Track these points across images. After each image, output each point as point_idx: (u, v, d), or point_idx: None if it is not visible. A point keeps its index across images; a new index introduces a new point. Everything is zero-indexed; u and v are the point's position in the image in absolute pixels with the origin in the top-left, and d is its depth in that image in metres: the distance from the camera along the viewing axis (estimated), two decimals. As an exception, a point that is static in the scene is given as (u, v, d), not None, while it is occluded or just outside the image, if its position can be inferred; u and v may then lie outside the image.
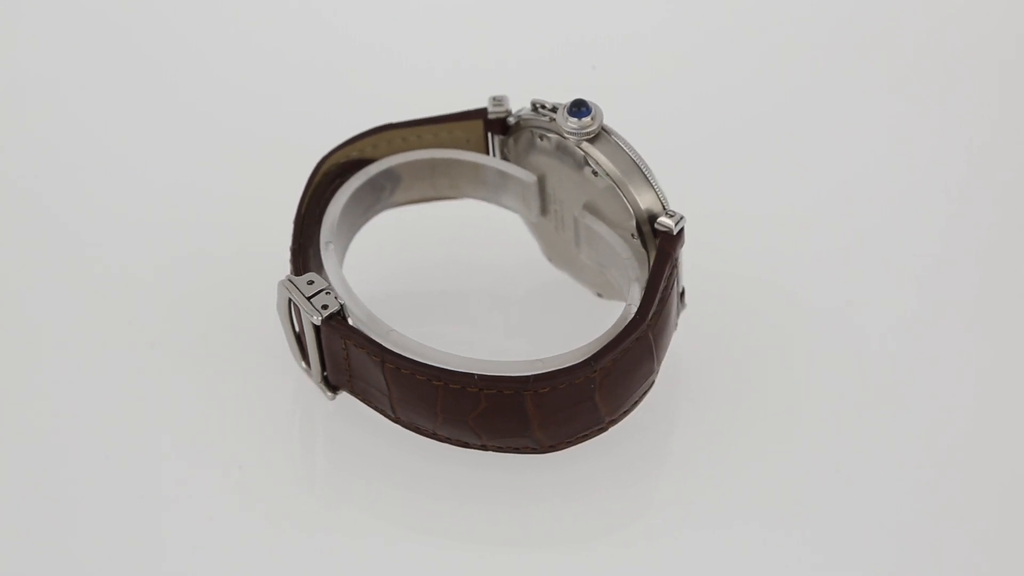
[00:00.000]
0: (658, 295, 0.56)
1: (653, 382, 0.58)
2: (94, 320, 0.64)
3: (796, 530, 0.57)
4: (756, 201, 0.68)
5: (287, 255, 0.60)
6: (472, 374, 0.55)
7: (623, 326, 0.56)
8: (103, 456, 0.60)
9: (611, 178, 0.58)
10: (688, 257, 0.59)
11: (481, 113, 0.62)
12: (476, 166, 0.62)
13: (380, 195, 0.63)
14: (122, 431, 0.60)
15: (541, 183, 0.61)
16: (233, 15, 0.77)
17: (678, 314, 0.59)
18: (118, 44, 0.76)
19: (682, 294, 0.60)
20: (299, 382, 0.61)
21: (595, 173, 0.58)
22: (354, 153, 0.62)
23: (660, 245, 0.57)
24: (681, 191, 0.59)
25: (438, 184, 0.63)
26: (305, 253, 0.60)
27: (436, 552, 0.57)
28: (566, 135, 0.58)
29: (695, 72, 0.74)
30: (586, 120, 0.58)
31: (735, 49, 0.75)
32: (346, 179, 0.62)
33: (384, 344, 0.56)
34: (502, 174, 0.62)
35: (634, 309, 0.56)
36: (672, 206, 0.58)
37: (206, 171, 0.70)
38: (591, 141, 0.58)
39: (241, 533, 0.57)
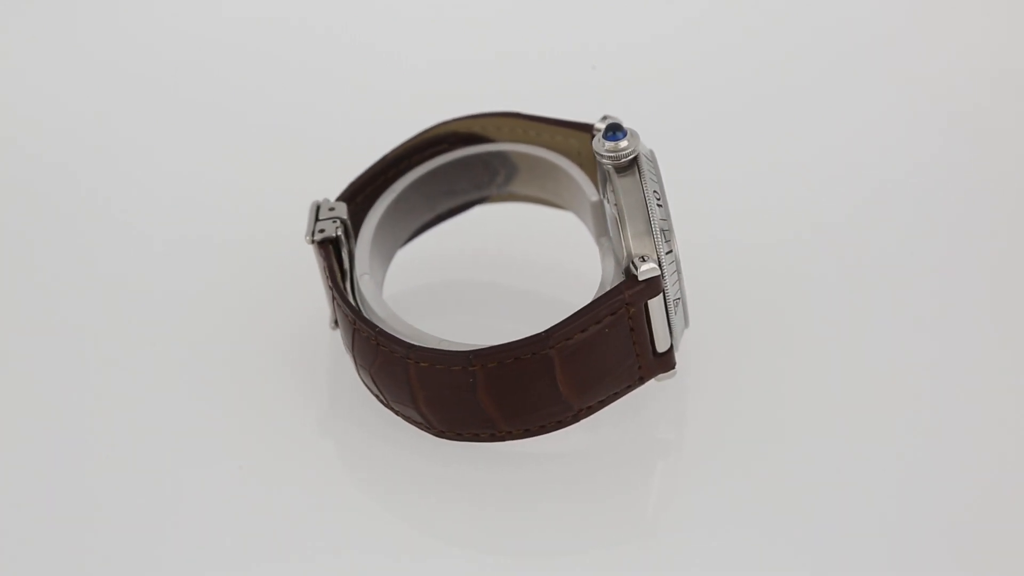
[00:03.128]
0: (577, 323, 0.54)
1: (575, 417, 0.56)
2: (94, 320, 0.64)
3: (796, 531, 0.57)
4: (756, 202, 0.68)
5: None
6: (376, 326, 0.55)
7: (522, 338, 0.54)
8: (103, 456, 0.60)
9: (616, 210, 0.55)
10: (688, 257, 0.58)
11: (589, 127, 0.60)
12: (568, 176, 0.60)
13: (494, 179, 0.61)
14: (122, 430, 0.60)
15: (604, 206, 0.58)
16: (238, 16, 0.77)
17: (649, 370, 0.56)
18: (131, 50, 0.76)
19: (665, 353, 0.56)
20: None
21: (608, 201, 0.56)
22: (475, 128, 0.61)
23: (618, 283, 0.54)
24: (680, 191, 0.59)
25: (547, 187, 0.61)
26: (363, 190, 0.60)
27: (431, 551, 0.57)
28: (598, 157, 0.56)
29: (695, 72, 0.74)
30: (616, 144, 0.55)
31: (735, 49, 0.75)
32: (454, 148, 0.61)
33: (338, 279, 0.57)
34: (580, 188, 0.60)
35: None
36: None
37: (205, 171, 0.70)
38: (619, 169, 0.55)
39: (241, 532, 0.58)
